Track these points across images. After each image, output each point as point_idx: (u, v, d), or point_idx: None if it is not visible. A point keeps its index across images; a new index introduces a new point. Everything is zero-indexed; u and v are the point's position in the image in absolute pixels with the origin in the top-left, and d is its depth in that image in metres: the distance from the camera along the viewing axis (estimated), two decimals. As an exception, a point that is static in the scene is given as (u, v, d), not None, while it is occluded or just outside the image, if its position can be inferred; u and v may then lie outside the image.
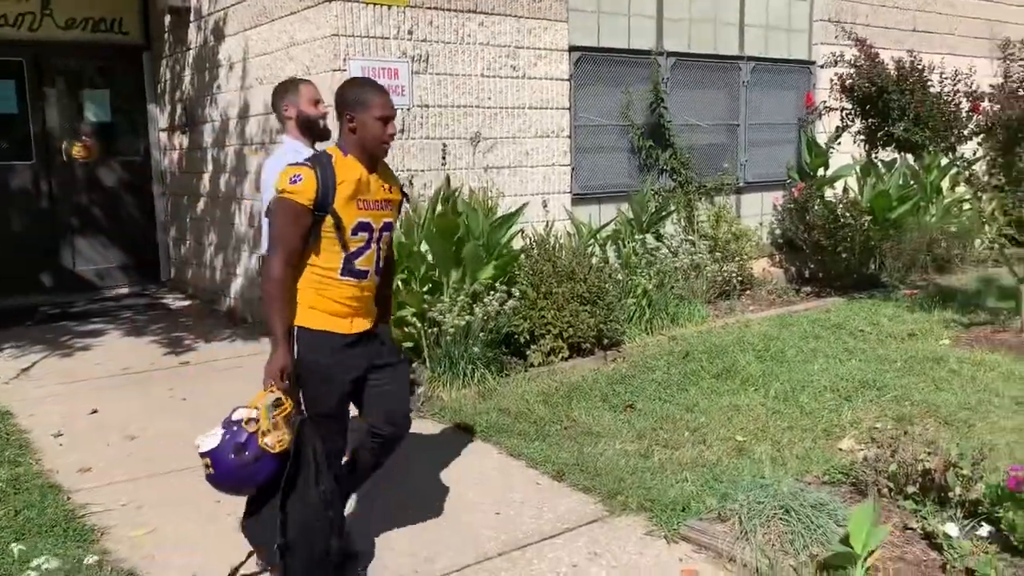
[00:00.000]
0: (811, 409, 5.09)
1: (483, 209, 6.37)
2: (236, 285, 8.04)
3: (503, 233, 6.35)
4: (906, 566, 3.26)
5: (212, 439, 2.81)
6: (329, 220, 2.97)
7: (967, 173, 7.10)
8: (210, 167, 8.39)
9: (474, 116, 6.91)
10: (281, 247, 2.96)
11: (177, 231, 9.51)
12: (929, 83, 7.19)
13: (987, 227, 7.36)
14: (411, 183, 6.52)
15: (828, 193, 8.98)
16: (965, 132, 7.03)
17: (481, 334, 5.79)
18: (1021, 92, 6.64)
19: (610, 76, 7.93)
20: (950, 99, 7.10)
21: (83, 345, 7.10)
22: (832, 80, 7.68)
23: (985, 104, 6.86)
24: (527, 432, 4.85)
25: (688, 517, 3.72)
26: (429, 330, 5.70)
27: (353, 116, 3.03)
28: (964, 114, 7.06)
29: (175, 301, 8.96)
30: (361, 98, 3.04)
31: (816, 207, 8.67)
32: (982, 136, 6.94)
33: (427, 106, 6.63)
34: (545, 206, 7.43)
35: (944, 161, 8.73)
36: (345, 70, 6.17)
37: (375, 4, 6.31)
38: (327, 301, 3.06)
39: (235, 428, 2.81)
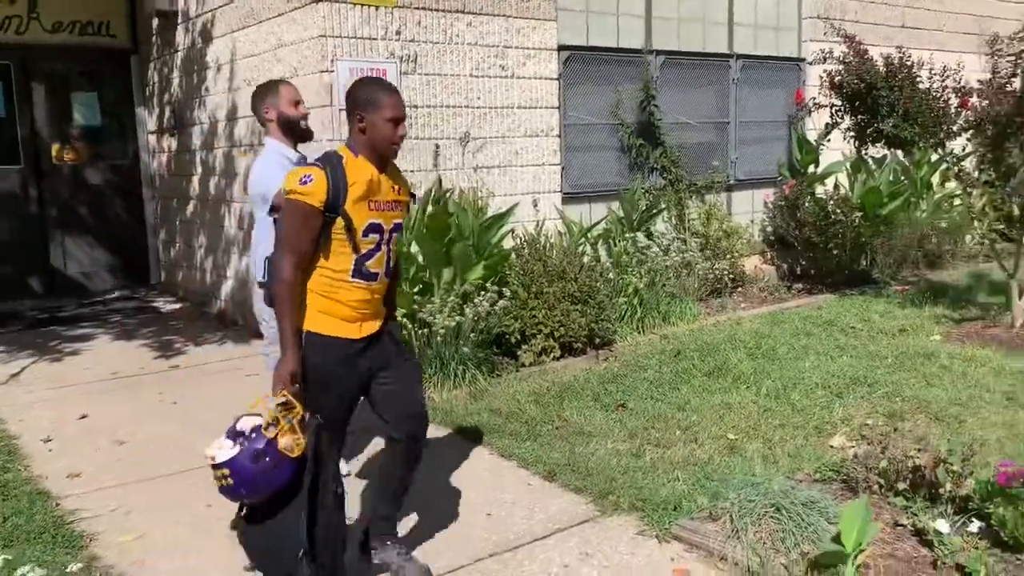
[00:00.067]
0: (802, 406, 5.09)
1: (473, 209, 6.36)
2: (226, 287, 8.01)
3: (493, 233, 6.34)
4: (896, 563, 3.26)
5: (227, 449, 2.74)
6: (340, 222, 2.92)
7: (956, 169, 7.11)
8: (199, 169, 8.36)
9: (463, 116, 6.89)
10: (290, 249, 2.90)
11: (167, 234, 9.48)
12: (918, 79, 7.20)
13: (977, 223, 7.37)
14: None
15: (819, 190, 8.99)
16: (954, 128, 7.04)
17: (472, 335, 5.78)
18: (1009, 88, 6.66)
19: (599, 75, 7.93)
20: (939, 95, 7.11)
21: (72, 349, 7.07)
22: (821, 77, 7.70)
23: (974, 100, 6.87)
24: (518, 432, 4.84)
25: (679, 516, 3.71)
26: (419, 331, 5.69)
27: (363, 116, 2.99)
28: (953, 110, 7.07)
29: (165, 304, 8.93)
30: (372, 98, 3.00)
31: (807, 204, 8.68)
32: (971, 132, 6.95)
33: (416, 107, 6.61)
34: (535, 205, 7.42)
35: (934, 157, 8.74)
36: (333, 71, 6.15)
37: (362, 5, 6.29)
38: (337, 305, 3.01)
39: (252, 435, 2.74)
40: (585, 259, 6.72)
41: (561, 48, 7.54)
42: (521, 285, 6.13)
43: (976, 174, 7.10)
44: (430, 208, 6.10)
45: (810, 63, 8.86)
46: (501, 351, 6.09)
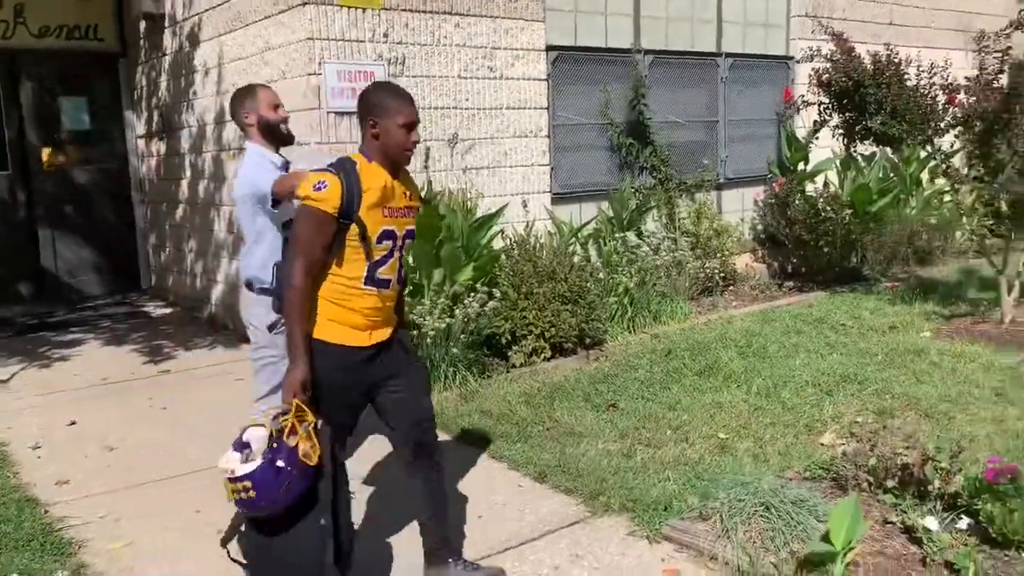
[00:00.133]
0: (793, 404, 5.10)
1: (462, 210, 6.36)
2: (217, 292, 7.99)
3: (483, 234, 6.34)
4: (886, 560, 3.26)
5: (238, 461, 2.71)
6: (354, 228, 2.90)
7: (945, 166, 7.13)
8: (188, 173, 8.33)
9: (452, 118, 6.89)
10: (303, 255, 2.87)
11: (157, 238, 9.45)
12: (905, 76, 7.21)
13: (966, 219, 7.40)
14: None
15: (809, 187, 9.02)
16: (942, 125, 7.05)
17: (462, 336, 5.77)
18: (996, 84, 6.68)
19: (588, 75, 7.93)
20: (926, 92, 7.12)
21: (62, 355, 7.04)
22: (810, 75, 7.70)
23: (961, 96, 6.89)
24: (509, 434, 4.84)
25: (670, 516, 3.71)
26: (409, 333, 5.67)
27: (376, 122, 2.96)
28: (940, 107, 7.08)
29: (156, 309, 8.90)
30: (385, 104, 2.97)
31: (797, 202, 8.70)
32: (959, 128, 6.97)
33: (404, 108, 6.58)
34: (525, 206, 7.41)
35: (923, 153, 8.77)
36: (320, 74, 6.14)
37: (350, 7, 6.28)
38: (347, 312, 2.97)
39: (274, 445, 2.72)
40: (575, 259, 6.72)
41: (549, 48, 7.53)
42: (511, 286, 6.13)
43: (965, 170, 7.13)
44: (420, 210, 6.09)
45: (798, 61, 8.87)
46: (491, 352, 6.08)
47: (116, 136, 9.53)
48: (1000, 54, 6.73)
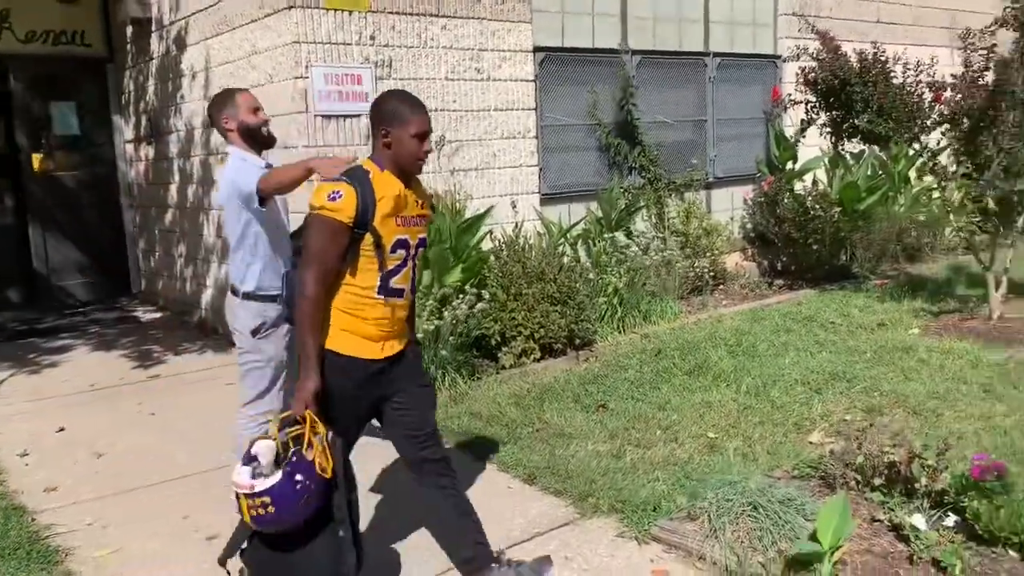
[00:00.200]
0: (782, 403, 5.10)
1: (450, 212, 6.35)
2: (207, 296, 7.97)
3: (471, 235, 6.34)
4: (873, 558, 3.27)
5: (260, 478, 2.68)
6: (368, 238, 2.88)
7: (932, 163, 7.15)
8: (177, 178, 8.31)
9: (440, 120, 6.87)
10: (317, 265, 2.84)
11: (146, 243, 9.43)
12: (892, 74, 7.22)
13: (954, 216, 7.42)
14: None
15: (798, 186, 9.03)
16: (928, 122, 7.07)
17: (451, 338, 5.77)
18: (982, 81, 6.70)
19: (576, 76, 7.93)
20: (912, 90, 7.14)
21: (51, 361, 7.02)
22: (797, 74, 7.72)
23: (947, 94, 6.91)
24: (499, 435, 4.84)
25: (659, 517, 3.72)
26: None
27: (388, 131, 2.94)
28: (927, 104, 7.10)
29: (145, 313, 8.87)
30: (398, 113, 2.95)
31: (786, 200, 8.71)
32: (946, 126, 6.99)
33: (392, 111, 6.58)
34: (514, 207, 7.41)
35: (911, 151, 8.80)
36: (307, 77, 6.13)
37: (336, 10, 6.27)
38: (360, 323, 2.95)
39: (293, 459, 2.70)
40: (564, 260, 6.71)
41: (537, 49, 7.53)
42: (500, 287, 6.12)
43: (952, 168, 7.14)
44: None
45: (785, 60, 8.89)
46: (481, 354, 6.08)
47: (104, 141, 9.51)
48: (985, 51, 6.75)
